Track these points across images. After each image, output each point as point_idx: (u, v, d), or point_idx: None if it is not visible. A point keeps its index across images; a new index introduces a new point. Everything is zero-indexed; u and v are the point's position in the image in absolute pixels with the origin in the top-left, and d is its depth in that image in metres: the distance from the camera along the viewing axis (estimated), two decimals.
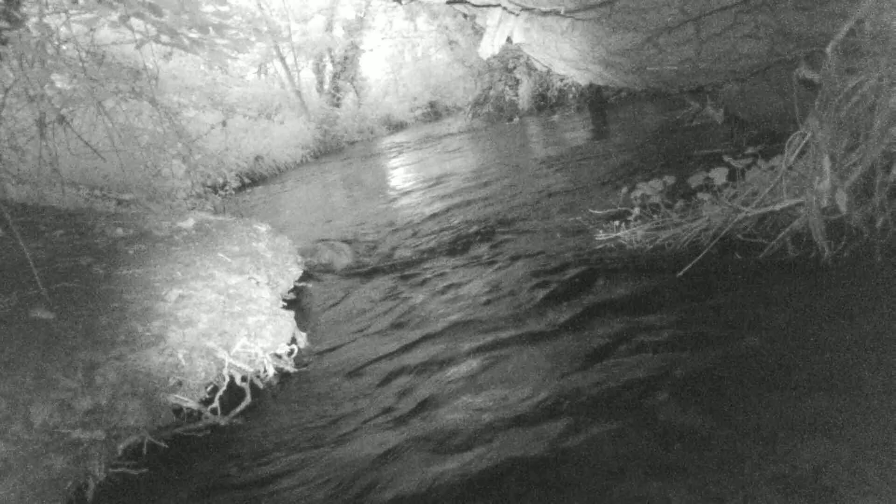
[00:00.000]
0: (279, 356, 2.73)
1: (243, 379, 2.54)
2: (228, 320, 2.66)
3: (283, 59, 15.70)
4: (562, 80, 11.13)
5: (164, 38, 3.20)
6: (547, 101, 12.10)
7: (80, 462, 1.93)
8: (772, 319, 2.20)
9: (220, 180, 6.10)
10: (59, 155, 4.14)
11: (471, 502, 1.67)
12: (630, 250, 3.12)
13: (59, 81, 4.13)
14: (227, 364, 2.49)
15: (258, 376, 2.60)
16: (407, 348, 2.70)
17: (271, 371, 2.64)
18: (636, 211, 3.23)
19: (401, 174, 8.46)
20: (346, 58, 17.40)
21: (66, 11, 3.63)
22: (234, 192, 6.79)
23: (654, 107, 8.55)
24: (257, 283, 3.22)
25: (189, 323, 2.54)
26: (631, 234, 3.16)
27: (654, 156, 5.36)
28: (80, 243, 3.24)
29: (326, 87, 17.56)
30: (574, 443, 1.80)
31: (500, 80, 12.94)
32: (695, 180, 3.00)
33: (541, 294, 2.92)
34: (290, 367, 2.70)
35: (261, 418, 2.38)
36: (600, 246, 3.25)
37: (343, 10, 17.14)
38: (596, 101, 10.61)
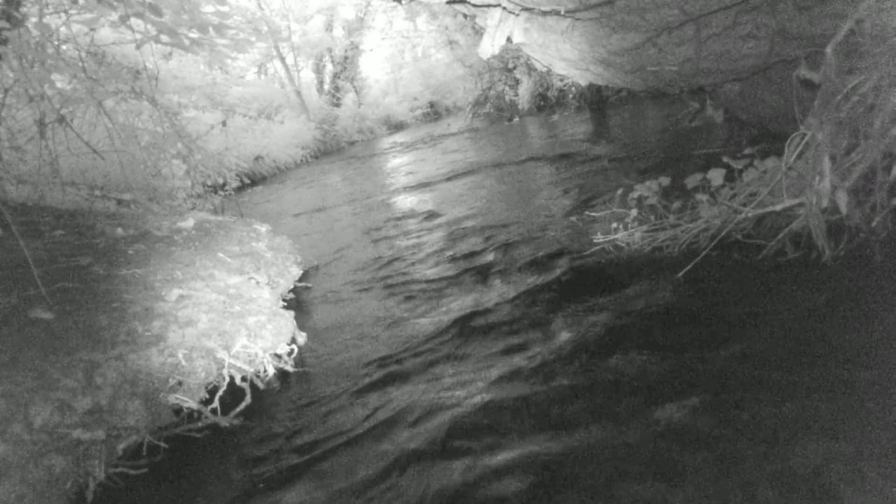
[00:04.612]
0: (279, 356, 2.73)
1: (243, 379, 2.54)
2: (228, 320, 2.66)
3: (283, 59, 15.69)
4: (562, 80, 11.12)
5: (164, 38, 3.21)
6: (547, 101, 12.09)
7: (80, 462, 1.93)
8: (771, 320, 2.20)
9: (220, 180, 6.10)
10: (59, 155, 4.14)
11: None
12: (628, 252, 3.12)
13: (59, 81, 4.13)
14: (227, 364, 2.49)
15: (258, 376, 2.60)
16: (407, 348, 2.71)
17: (271, 371, 2.64)
18: (634, 212, 3.23)
19: (400, 175, 8.45)
20: (346, 58, 17.39)
21: (66, 11, 3.64)
22: (234, 192, 6.79)
23: (654, 107, 8.55)
24: (257, 283, 3.22)
25: (189, 323, 2.55)
26: (629, 235, 3.16)
27: (654, 156, 5.36)
28: (80, 243, 3.24)
29: (326, 87, 17.55)
30: (574, 443, 1.80)
31: (500, 80, 12.94)
32: (692, 181, 3.00)
33: (538, 296, 2.92)
34: (289, 367, 2.70)
35: (261, 418, 2.38)
36: (598, 248, 3.25)
37: (343, 10, 17.13)
38: (596, 101, 10.60)
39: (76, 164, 5.13)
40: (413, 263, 3.94)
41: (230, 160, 8.51)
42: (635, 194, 3.24)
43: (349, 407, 2.32)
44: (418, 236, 4.61)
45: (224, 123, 11.40)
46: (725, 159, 2.92)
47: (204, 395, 2.40)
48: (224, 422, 2.33)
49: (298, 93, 15.69)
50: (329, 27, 17.21)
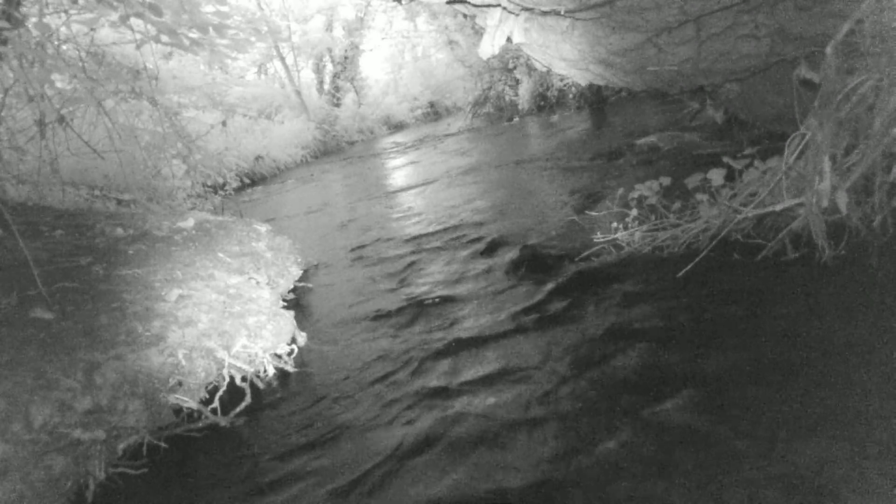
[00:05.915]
0: (279, 356, 2.73)
1: (243, 379, 2.54)
2: (228, 320, 2.66)
3: (283, 59, 15.69)
4: (562, 80, 11.11)
5: (164, 38, 3.20)
6: (547, 101, 12.08)
7: (80, 462, 1.93)
8: (771, 320, 2.20)
9: (220, 180, 6.10)
10: (59, 155, 4.13)
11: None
12: (628, 251, 3.12)
13: (59, 81, 4.13)
14: (227, 364, 2.49)
15: (258, 376, 2.60)
16: (407, 348, 2.71)
17: (271, 371, 2.64)
18: (634, 212, 3.23)
19: (400, 174, 8.46)
20: (346, 58, 17.37)
21: (66, 11, 3.63)
22: (234, 192, 6.79)
23: (654, 107, 8.55)
24: (257, 283, 3.22)
25: (189, 323, 2.55)
26: (629, 235, 3.16)
27: (654, 156, 5.36)
28: (80, 243, 3.24)
29: (326, 87, 17.53)
30: (574, 443, 1.80)
31: (500, 80, 12.93)
32: (692, 181, 3.00)
33: (539, 296, 2.92)
34: (289, 367, 2.70)
35: (260, 418, 2.38)
36: (598, 247, 3.25)
37: (343, 10, 17.11)
38: (596, 101, 10.60)
39: (76, 164, 5.13)
40: (413, 263, 3.93)
41: (230, 160, 8.51)
42: (635, 194, 3.24)
43: (349, 407, 2.32)
44: (418, 236, 4.61)
45: (224, 123, 11.38)
46: (725, 159, 2.92)
47: (204, 395, 2.40)
48: (224, 422, 2.33)
49: (298, 93, 15.68)
50: (329, 27, 17.20)
